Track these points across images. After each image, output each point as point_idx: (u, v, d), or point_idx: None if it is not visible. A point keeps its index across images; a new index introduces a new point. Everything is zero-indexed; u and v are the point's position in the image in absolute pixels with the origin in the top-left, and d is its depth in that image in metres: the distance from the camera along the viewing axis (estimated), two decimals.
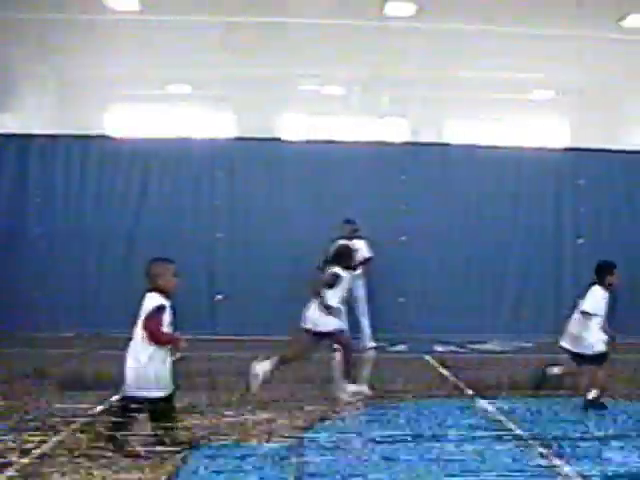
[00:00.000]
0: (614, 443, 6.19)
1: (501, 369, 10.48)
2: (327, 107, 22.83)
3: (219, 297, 13.29)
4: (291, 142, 15.16)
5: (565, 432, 6.56)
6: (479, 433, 6.51)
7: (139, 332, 5.58)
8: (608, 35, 16.53)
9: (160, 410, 5.60)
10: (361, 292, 12.11)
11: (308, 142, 14.53)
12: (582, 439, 6.32)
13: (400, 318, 12.88)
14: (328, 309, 7.79)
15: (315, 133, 20.48)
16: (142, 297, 5.73)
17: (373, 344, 11.97)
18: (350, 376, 8.07)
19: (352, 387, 7.95)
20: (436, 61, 19.35)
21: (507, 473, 5.36)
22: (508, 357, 11.76)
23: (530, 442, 6.15)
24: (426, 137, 18.08)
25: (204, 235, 13.37)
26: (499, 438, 6.33)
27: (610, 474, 5.30)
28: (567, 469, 5.38)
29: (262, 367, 7.84)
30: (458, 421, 6.99)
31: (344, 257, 8.22)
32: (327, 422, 6.88)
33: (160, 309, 5.57)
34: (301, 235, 13.00)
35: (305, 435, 6.32)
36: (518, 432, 6.52)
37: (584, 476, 5.23)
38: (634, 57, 18.76)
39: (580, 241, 13.66)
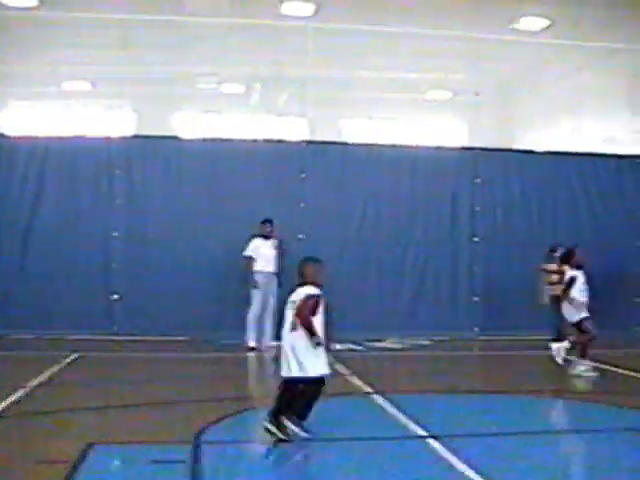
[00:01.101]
0: (515, 439, 6.27)
1: (399, 366, 10.64)
2: (226, 105, 22.62)
3: (115, 297, 12.99)
4: (189, 140, 14.93)
5: (466, 429, 6.60)
6: (377, 431, 6.50)
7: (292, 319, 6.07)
8: (502, 37, 16.89)
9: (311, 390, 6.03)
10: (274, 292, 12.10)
11: (205, 140, 14.28)
12: (481, 435, 6.37)
13: None
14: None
15: (214, 131, 20.23)
16: None
17: (274, 343, 11.90)
18: None
19: None
20: (335, 60, 19.41)
21: (402, 471, 5.33)
22: (406, 354, 11.90)
23: (428, 440, 6.11)
24: (325, 136, 18.06)
25: (101, 234, 13.10)
26: (397, 436, 6.33)
27: (509, 470, 5.33)
28: (464, 466, 5.35)
29: None
30: (354, 419, 6.98)
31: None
32: (224, 422, 6.75)
33: (310, 297, 6.07)
34: (199, 234, 12.87)
35: (201, 436, 6.19)
36: (415, 429, 6.51)
37: (482, 473, 5.18)
38: (528, 59, 19.25)
39: (476, 239, 13.91)
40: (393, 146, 14.65)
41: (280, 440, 5.83)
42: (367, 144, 14.57)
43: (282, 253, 12.12)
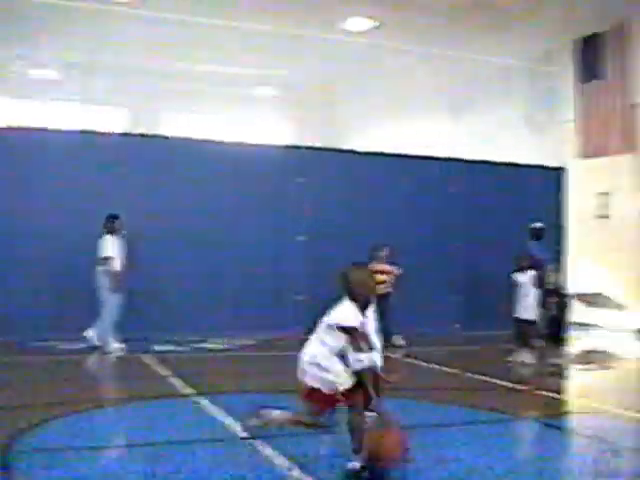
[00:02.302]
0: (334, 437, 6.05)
1: (223, 366, 10.45)
2: (39, 92, 21.41)
3: None
4: None
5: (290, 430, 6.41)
6: (197, 433, 6.26)
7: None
8: (330, 36, 16.91)
9: None
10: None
11: (11, 129, 13.05)
12: (302, 435, 6.04)
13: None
14: None
15: (25, 119, 19.08)
16: None
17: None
18: None
19: None
20: (159, 51, 18.82)
21: (224, 473, 5.11)
22: (229, 354, 11.66)
23: (253, 441, 5.88)
24: (146, 128, 17.43)
25: None
26: (220, 438, 6.10)
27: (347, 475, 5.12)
28: (292, 468, 5.21)
29: None
30: (174, 422, 6.69)
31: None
32: (39, 428, 6.23)
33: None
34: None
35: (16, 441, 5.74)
36: (239, 430, 6.27)
37: (310, 472, 5.09)
38: (354, 59, 19.43)
39: (300, 238, 13.82)
40: (216, 142, 14.23)
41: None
42: (189, 139, 14.06)
43: (130, 250, 11.55)
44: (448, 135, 19.05)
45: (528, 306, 10.40)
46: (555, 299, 10.57)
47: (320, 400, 4.99)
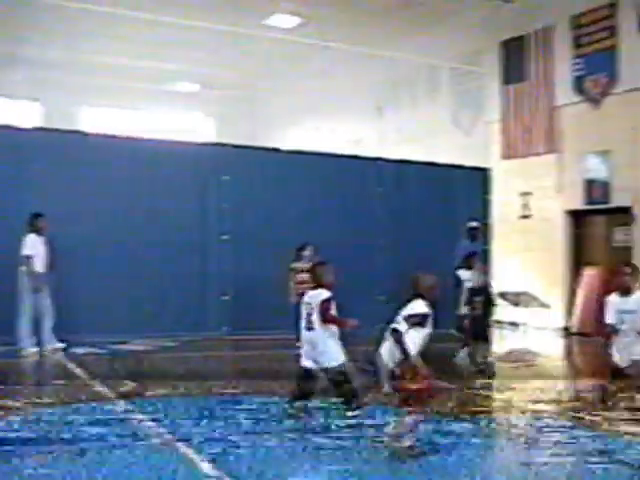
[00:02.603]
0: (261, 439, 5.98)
1: (145, 368, 10.16)
2: None
3: None
4: None
5: (216, 430, 6.27)
6: (117, 437, 6.01)
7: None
8: (254, 32, 16.62)
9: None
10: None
11: None
12: (228, 437, 6.04)
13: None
14: None
15: None
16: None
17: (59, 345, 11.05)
18: None
19: None
20: (77, 44, 18.30)
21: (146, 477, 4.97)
22: (152, 356, 11.33)
23: (174, 444, 5.74)
24: (62, 124, 16.84)
25: None
26: (141, 442, 5.88)
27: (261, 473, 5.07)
28: (213, 471, 5.08)
29: None
30: (94, 426, 6.38)
31: None
32: None
33: (329, 300, 6.77)
34: None
35: None
36: (162, 432, 6.12)
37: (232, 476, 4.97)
38: (279, 56, 19.23)
39: (224, 237, 13.53)
40: (137, 139, 13.81)
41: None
42: (108, 135, 13.56)
43: (52, 250, 11.09)
44: (375, 134, 19.01)
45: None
46: (481, 298, 10.52)
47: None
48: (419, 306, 5.86)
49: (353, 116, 20.31)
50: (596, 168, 14.83)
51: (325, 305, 6.73)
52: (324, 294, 6.80)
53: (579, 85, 15.23)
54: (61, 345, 11.05)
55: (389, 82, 19.24)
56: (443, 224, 14.90)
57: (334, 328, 6.78)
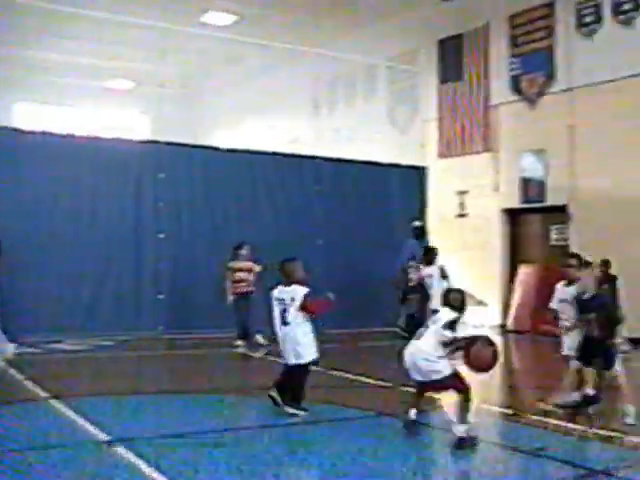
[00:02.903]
0: (199, 439, 5.93)
1: (80, 368, 10.07)
2: None
3: None
4: None
5: (151, 430, 6.20)
6: (53, 438, 5.91)
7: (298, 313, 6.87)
8: (189, 29, 16.38)
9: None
10: None
11: None
12: (167, 437, 5.96)
13: None
14: None
15: None
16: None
17: None
18: None
19: None
20: (10, 39, 17.85)
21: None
22: (87, 356, 11.18)
23: (111, 445, 5.63)
24: None
25: None
26: (77, 442, 5.76)
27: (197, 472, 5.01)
28: (149, 469, 5.01)
29: None
30: (28, 427, 6.27)
31: None
32: None
33: (308, 296, 6.90)
34: None
35: None
36: (97, 433, 5.98)
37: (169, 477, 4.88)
38: (215, 54, 19.02)
39: (161, 236, 13.30)
40: (71, 136, 13.40)
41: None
42: (42, 132, 13.17)
43: None
44: (312, 132, 18.93)
45: (432, 297, 10.42)
46: (417, 296, 10.51)
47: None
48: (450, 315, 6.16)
49: (291, 114, 20.20)
50: (532, 167, 14.98)
51: (308, 299, 6.87)
52: (301, 289, 6.95)
53: (516, 84, 15.37)
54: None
55: (327, 80, 19.18)
56: (380, 222, 14.92)
57: (308, 324, 6.92)
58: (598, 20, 13.95)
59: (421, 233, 13.79)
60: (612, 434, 6.22)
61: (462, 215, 16.20)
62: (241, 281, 11.86)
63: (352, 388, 8.67)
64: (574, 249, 14.07)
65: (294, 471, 5.28)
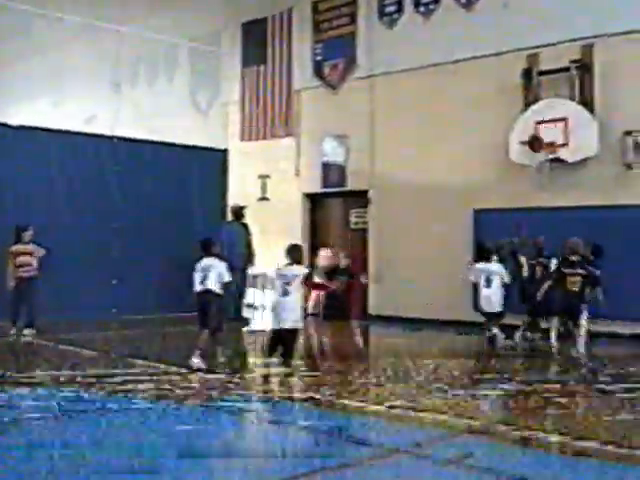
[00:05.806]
0: None
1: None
2: None
3: None
4: None
5: None
6: None
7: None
8: None
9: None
10: None
11: None
12: None
13: None
14: None
15: None
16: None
17: None
18: None
19: None
20: None
21: None
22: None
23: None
24: None
25: None
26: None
27: None
28: None
29: None
30: None
31: None
32: None
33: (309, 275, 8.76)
34: None
35: None
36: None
37: None
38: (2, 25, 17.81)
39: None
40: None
41: None
42: None
43: None
44: (111, 112, 18.16)
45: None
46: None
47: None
48: None
49: (89, 92, 19.30)
50: (334, 152, 15.12)
51: (309, 277, 8.72)
52: (303, 269, 8.59)
53: (318, 70, 15.45)
54: None
55: (128, 59, 18.46)
56: (179, 204, 14.60)
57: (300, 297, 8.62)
58: (399, 10, 14.23)
59: (240, 214, 13.97)
60: None
61: (263, 199, 16.09)
62: (22, 265, 11.28)
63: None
64: (372, 233, 14.40)
65: None
